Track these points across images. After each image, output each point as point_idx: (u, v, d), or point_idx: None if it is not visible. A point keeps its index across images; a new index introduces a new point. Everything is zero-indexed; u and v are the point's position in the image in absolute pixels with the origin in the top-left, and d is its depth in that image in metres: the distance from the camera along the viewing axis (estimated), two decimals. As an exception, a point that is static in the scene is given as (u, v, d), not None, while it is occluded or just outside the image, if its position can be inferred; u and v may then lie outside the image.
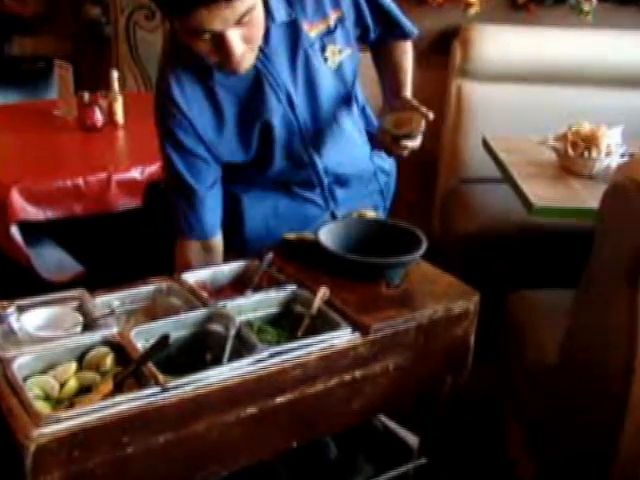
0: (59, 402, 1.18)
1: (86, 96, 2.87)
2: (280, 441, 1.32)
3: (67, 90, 2.91)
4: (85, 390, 1.20)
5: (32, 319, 1.30)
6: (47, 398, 1.18)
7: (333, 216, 1.76)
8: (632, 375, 1.62)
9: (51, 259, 2.41)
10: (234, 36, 1.34)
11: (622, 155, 2.41)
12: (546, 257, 2.63)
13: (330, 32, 1.59)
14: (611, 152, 2.40)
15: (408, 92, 1.72)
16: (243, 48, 1.37)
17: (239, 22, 1.32)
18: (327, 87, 1.64)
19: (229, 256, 1.64)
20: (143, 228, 2.41)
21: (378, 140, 1.64)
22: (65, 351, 1.24)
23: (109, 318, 1.31)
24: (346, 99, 1.71)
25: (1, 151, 2.65)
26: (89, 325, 1.31)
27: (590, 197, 2.25)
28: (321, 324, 1.36)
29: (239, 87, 1.55)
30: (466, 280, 1.50)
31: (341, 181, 1.75)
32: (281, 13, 1.51)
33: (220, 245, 1.67)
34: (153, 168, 2.46)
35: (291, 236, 1.61)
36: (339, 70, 1.65)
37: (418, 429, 1.59)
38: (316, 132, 1.66)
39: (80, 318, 1.32)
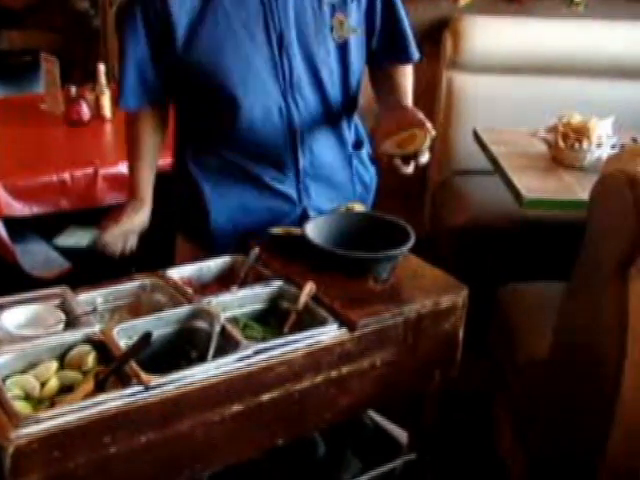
0: (40, 402, 1.17)
1: (73, 90, 2.84)
2: (266, 439, 1.30)
3: (53, 84, 2.88)
4: (66, 389, 1.19)
5: (13, 317, 1.28)
6: (28, 398, 1.16)
7: (304, 215, 1.67)
8: (622, 369, 1.61)
9: (37, 255, 2.39)
10: None
11: (613, 146, 2.39)
12: (537, 249, 2.62)
13: (344, 2, 1.56)
14: (602, 143, 2.39)
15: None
16: None
17: None
18: (325, 58, 1.58)
19: (199, 254, 1.60)
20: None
21: (382, 163, 1.58)
22: (46, 350, 1.22)
23: (91, 316, 1.29)
24: (345, 94, 1.65)
25: (-14, 146, 2.63)
26: (71, 323, 1.29)
27: (581, 189, 2.24)
28: (308, 320, 1.34)
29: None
30: (457, 273, 1.49)
31: (316, 173, 1.68)
32: None
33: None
34: (140, 162, 2.43)
35: (278, 230, 1.59)
36: (343, 49, 1.60)
37: (407, 424, 1.58)
38: (303, 97, 1.60)
39: (62, 316, 1.30)
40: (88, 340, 1.25)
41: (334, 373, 1.31)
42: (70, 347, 1.24)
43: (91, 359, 1.22)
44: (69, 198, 2.36)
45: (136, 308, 1.40)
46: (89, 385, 1.15)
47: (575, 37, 3.12)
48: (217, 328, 1.27)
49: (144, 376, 1.15)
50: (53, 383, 1.18)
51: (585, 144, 2.38)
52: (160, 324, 1.30)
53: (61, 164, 2.43)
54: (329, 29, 1.57)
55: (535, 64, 3.11)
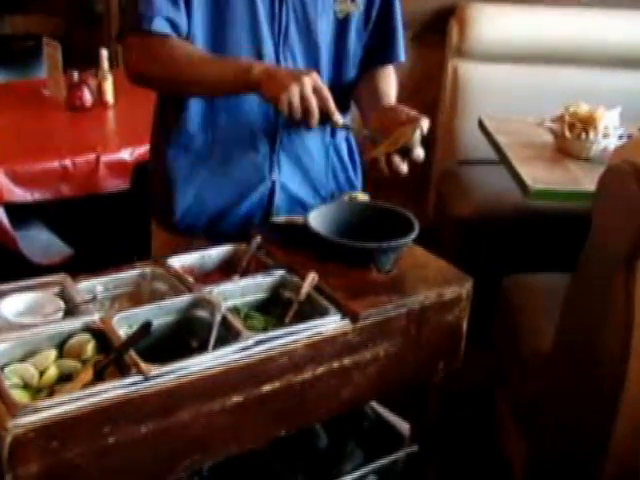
0: (38, 391, 1.15)
1: (75, 75, 2.82)
2: (266, 431, 1.29)
3: (56, 69, 2.86)
4: (65, 378, 1.17)
5: (11, 305, 1.26)
6: (26, 387, 1.15)
7: (272, 192, 1.61)
8: (627, 362, 1.59)
9: (39, 242, 2.38)
10: None
11: (620, 137, 2.37)
12: (542, 240, 2.60)
13: None
14: (609, 134, 2.37)
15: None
16: None
17: None
18: (324, 28, 1.54)
19: (170, 239, 1.60)
20: (132, 210, 2.37)
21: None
22: (45, 338, 1.21)
23: (91, 304, 1.28)
24: (337, 77, 1.61)
25: (-13, 131, 2.61)
26: (70, 311, 1.27)
27: (587, 179, 2.22)
28: (310, 310, 1.32)
29: None
30: (461, 264, 1.47)
31: (292, 149, 1.61)
32: None
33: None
34: (142, 149, 2.41)
35: (280, 219, 1.57)
36: (343, 26, 1.56)
37: (409, 416, 1.57)
38: (295, 62, 1.54)
39: (61, 304, 1.28)
40: (87, 329, 1.23)
41: (336, 364, 1.29)
42: (69, 335, 1.22)
43: (90, 348, 1.20)
44: (70, 184, 2.35)
45: (136, 297, 1.38)
46: (88, 374, 1.14)
47: (582, 26, 3.09)
48: (218, 318, 1.25)
49: (144, 366, 1.14)
50: (52, 372, 1.17)
51: (592, 134, 2.36)
52: (160, 313, 1.29)
53: (63, 150, 2.42)
54: None
55: (541, 53, 3.09)
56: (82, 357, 1.19)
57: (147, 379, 1.12)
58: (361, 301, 1.32)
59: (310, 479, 1.48)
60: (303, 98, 1.37)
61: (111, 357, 1.16)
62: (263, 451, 1.45)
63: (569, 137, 2.39)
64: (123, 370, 1.15)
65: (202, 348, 1.23)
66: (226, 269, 1.48)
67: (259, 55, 1.52)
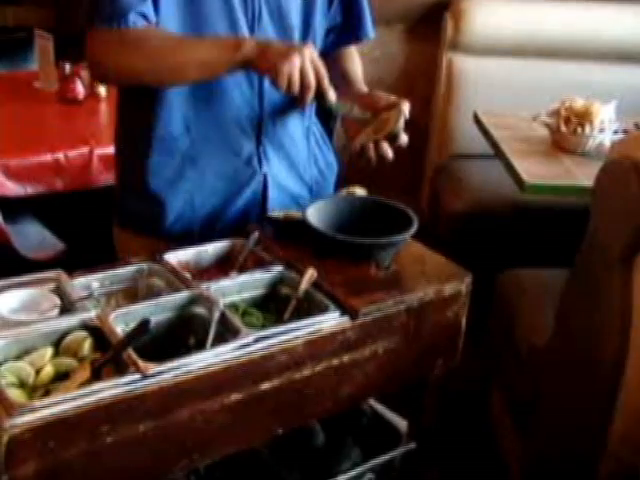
0: (34, 389, 1.13)
1: (67, 67, 2.79)
2: (266, 428, 1.28)
3: (47, 61, 2.84)
4: (62, 377, 1.15)
5: (6, 302, 1.24)
6: (22, 385, 1.13)
7: (265, 186, 1.58)
8: (625, 357, 1.59)
9: (32, 236, 2.36)
10: None
11: (615, 132, 2.37)
12: (538, 235, 2.60)
13: None
14: (604, 128, 2.36)
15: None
16: None
17: None
18: (295, 11, 1.50)
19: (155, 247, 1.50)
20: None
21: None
22: (41, 336, 1.19)
23: (87, 301, 1.26)
24: None
25: (-21, 124, 2.58)
26: (66, 308, 1.26)
27: (582, 174, 2.22)
28: (308, 307, 1.31)
29: None
30: (456, 259, 1.46)
31: (276, 136, 1.57)
32: None
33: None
34: (136, 142, 2.39)
35: (278, 214, 1.56)
36: (310, 4, 1.51)
37: (407, 413, 1.56)
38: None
39: (57, 301, 1.26)
40: (84, 326, 1.21)
41: (335, 361, 1.28)
42: (65, 333, 1.20)
43: (87, 345, 1.18)
44: (64, 178, 2.33)
45: (133, 293, 1.36)
46: (85, 373, 1.12)
47: (577, 20, 3.08)
48: (216, 315, 1.24)
49: (142, 364, 1.12)
50: (48, 370, 1.15)
51: (587, 129, 2.36)
52: (157, 310, 1.27)
53: (55, 143, 2.39)
54: None
55: (537, 46, 3.08)
56: (79, 355, 1.18)
57: (145, 377, 1.11)
58: (360, 298, 1.31)
59: (308, 477, 1.47)
60: (302, 71, 1.32)
61: (108, 355, 1.15)
62: (260, 449, 1.44)
63: (565, 131, 2.38)
64: (121, 368, 1.13)
65: (200, 345, 1.22)
66: (222, 265, 1.47)
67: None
